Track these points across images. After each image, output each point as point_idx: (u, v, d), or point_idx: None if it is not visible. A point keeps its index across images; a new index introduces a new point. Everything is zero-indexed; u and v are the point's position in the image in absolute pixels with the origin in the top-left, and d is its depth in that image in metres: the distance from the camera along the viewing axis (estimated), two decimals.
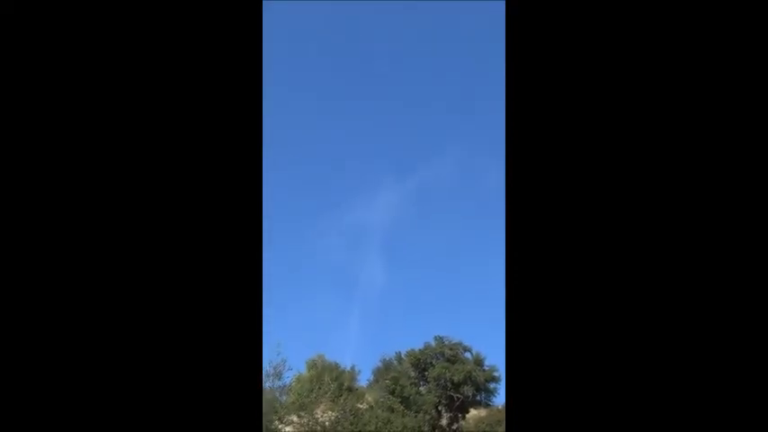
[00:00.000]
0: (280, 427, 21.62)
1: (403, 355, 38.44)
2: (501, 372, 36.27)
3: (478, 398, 36.18)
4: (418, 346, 38.62)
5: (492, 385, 36.47)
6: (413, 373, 36.29)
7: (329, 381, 33.38)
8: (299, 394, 25.85)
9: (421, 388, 35.88)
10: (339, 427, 24.56)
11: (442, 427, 33.74)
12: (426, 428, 30.75)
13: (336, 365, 39.04)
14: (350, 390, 35.41)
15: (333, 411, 25.45)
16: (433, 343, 38.08)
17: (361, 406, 30.24)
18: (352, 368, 40.57)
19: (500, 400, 36.68)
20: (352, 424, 25.39)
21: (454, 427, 34.51)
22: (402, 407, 31.93)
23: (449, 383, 35.22)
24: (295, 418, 23.40)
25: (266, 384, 22.80)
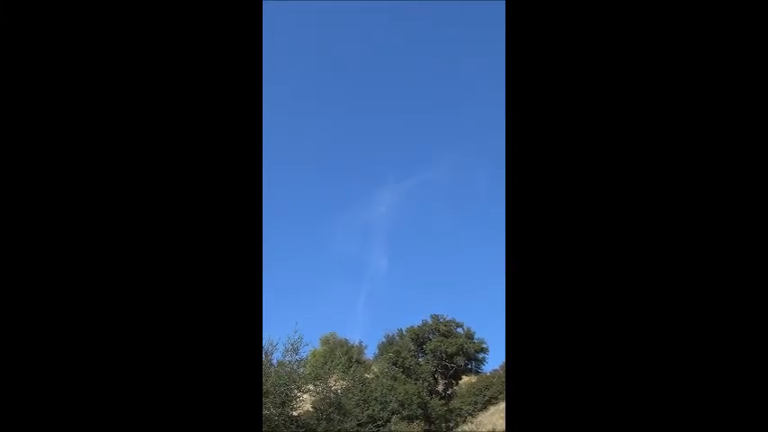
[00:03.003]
0: (298, 394, 21.37)
1: (404, 332, 38.52)
2: (489, 344, 36.50)
3: (469, 366, 36.22)
4: (417, 323, 38.70)
5: (481, 355, 36.54)
6: (412, 347, 36.25)
7: (340, 354, 33.14)
8: (314, 366, 25.59)
9: (420, 359, 35.81)
10: (349, 394, 24.32)
11: (438, 392, 33.60)
12: (425, 393, 30.57)
13: (346, 341, 39.07)
14: (358, 362, 35.23)
15: (344, 381, 25.19)
16: (429, 320, 38.17)
17: (368, 376, 30.02)
18: (360, 343, 40.60)
19: (488, 367, 36.85)
20: (360, 391, 25.14)
21: (448, 391, 34.40)
22: (403, 376, 31.78)
23: (443, 355, 35.16)
24: (311, 387, 23.16)
25: (285, 358, 22.51)
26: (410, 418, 26.85)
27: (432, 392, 32.64)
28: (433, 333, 36.67)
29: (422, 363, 34.45)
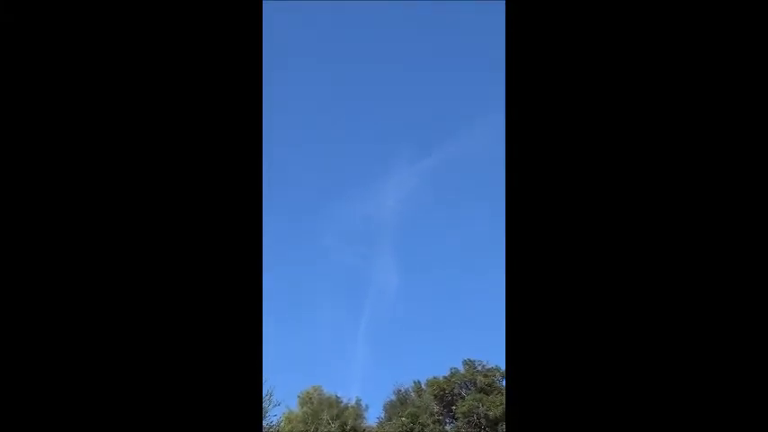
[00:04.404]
0: None
1: (423, 385, 38.99)
2: None
3: None
4: (442, 372, 38.98)
5: None
6: (436, 408, 36.97)
7: (328, 419, 33.97)
8: None
9: (447, 426, 36.60)
10: None
11: None
12: None
13: (337, 399, 39.57)
14: (355, 430, 36.24)
15: None
16: (461, 368, 38.56)
17: None
18: (358, 403, 41.02)
19: None
20: None
21: None
22: None
23: (483, 420, 36.00)
24: None
25: None
26: None
27: None
28: (467, 387, 37.40)
29: None
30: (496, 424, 36.84)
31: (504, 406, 35.69)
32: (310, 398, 38.66)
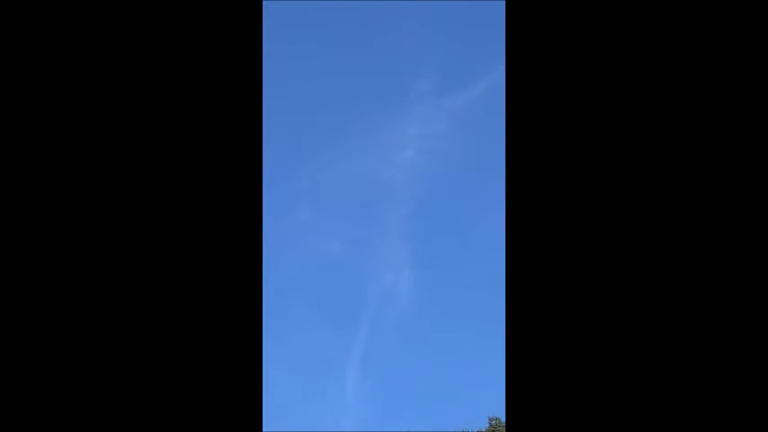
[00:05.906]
0: None
1: None
2: None
3: None
4: (478, 424, 35.96)
5: None
6: None
7: None
8: None
9: None
10: None
11: None
12: None
13: None
14: None
15: None
16: (505, 420, 35.72)
17: None
18: None
19: None
20: None
21: None
22: None
23: None
24: None
25: None
26: None
27: None
28: None
29: None
30: None
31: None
32: None
